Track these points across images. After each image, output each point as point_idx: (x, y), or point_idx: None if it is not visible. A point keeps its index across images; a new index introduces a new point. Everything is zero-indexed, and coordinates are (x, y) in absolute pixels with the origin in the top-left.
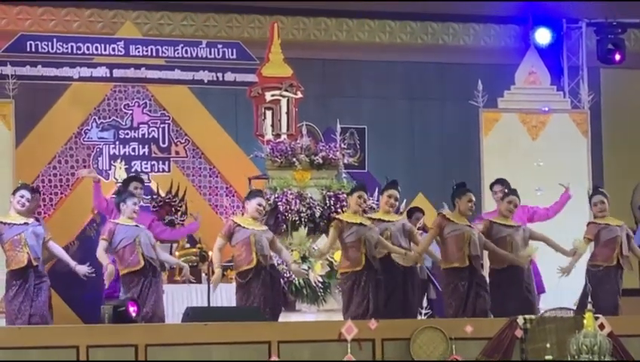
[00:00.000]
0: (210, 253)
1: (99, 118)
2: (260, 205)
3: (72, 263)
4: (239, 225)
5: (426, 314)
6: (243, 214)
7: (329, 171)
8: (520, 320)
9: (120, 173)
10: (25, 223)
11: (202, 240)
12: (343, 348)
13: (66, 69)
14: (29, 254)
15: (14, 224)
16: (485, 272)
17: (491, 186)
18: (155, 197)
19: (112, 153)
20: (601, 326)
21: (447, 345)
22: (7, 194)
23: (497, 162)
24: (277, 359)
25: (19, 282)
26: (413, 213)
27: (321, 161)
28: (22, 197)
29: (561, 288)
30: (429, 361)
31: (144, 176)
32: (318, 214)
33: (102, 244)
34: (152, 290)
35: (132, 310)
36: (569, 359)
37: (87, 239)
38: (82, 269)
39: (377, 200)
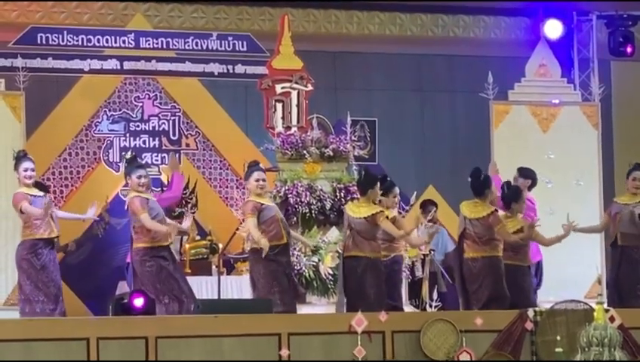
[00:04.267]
0: (220, 245)
1: (109, 111)
2: (258, 179)
3: (81, 216)
4: (262, 204)
5: (436, 306)
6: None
7: (339, 163)
8: (530, 312)
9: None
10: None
11: (212, 232)
12: (353, 340)
13: (77, 62)
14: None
15: (37, 196)
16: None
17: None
18: (165, 189)
19: (122, 145)
20: (612, 319)
21: (458, 337)
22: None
23: (508, 154)
24: (287, 351)
25: (48, 250)
26: (426, 205)
27: (331, 154)
28: (26, 170)
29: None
30: (440, 361)
31: (154, 169)
32: (328, 206)
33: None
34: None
35: (138, 302)
36: (579, 351)
37: (94, 237)
38: (91, 213)
39: None
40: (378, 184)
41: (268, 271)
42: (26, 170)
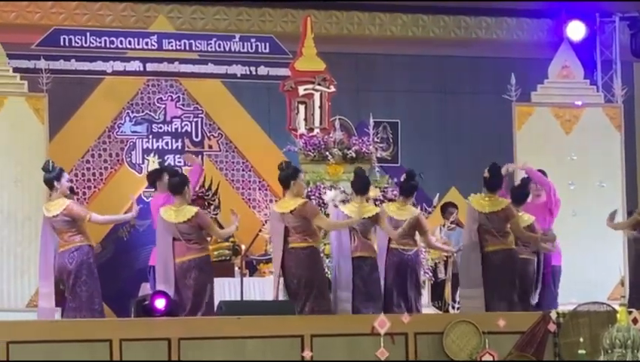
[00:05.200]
0: (243, 247)
1: (132, 112)
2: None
3: (127, 216)
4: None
5: (458, 308)
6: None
7: (362, 165)
8: (553, 314)
9: (153, 167)
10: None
11: (235, 234)
12: (375, 341)
13: (100, 63)
14: None
15: None
16: None
17: None
18: None
19: (145, 147)
20: (635, 321)
21: (480, 339)
22: (41, 188)
23: (530, 156)
24: (310, 352)
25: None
26: (447, 208)
27: (354, 155)
28: (69, 181)
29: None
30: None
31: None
32: None
33: None
34: None
35: (160, 303)
36: (602, 353)
37: (118, 239)
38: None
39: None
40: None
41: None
42: (69, 181)
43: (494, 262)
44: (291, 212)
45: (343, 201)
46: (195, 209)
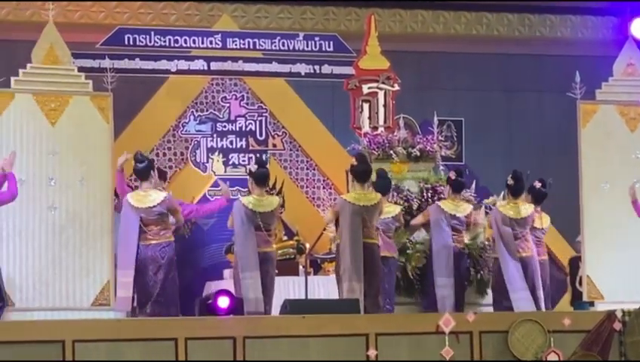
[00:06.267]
0: (307, 245)
1: (196, 111)
2: None
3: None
4: None
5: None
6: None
7: (426, 164)
8: (619, 312)
9: (218, 166)
10: None
11: (299, 232)
12: (440, 340)
13: (164, 62)
14: None
15: None
16: None
17: None
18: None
19: (209, 146)
20: None
21: (546, 337)
22: (106, 187)
23: (595, 154)
24: (375, 351)
25: None
26: None
27: (418, 154)
28: None
29: None
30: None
31: (241, 169)
32: (415, 207)
33: None
34: None
35: (223, 302)
36: None
37: (181, 238)
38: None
39: (475, 193)
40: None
41: None
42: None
43: (542, 270)
44: (373, 206)
45: None
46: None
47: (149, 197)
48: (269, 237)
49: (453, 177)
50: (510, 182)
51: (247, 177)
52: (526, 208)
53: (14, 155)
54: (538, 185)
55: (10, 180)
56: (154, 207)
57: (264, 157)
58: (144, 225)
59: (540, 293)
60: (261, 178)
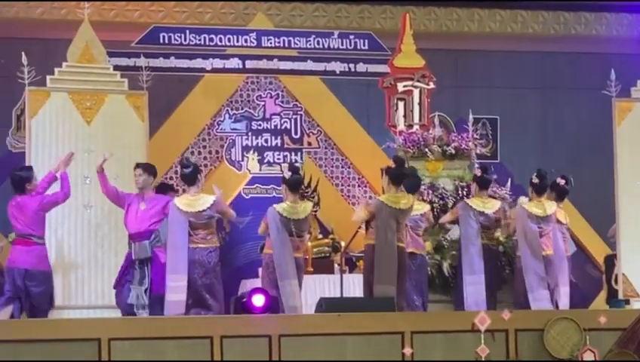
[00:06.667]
0: (342, 244)
1: (231, 110)
2: None
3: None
4: None
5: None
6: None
7: (461, 161)
8: None
9: (253, 164)
10: None
11: (335, 231)
12: (476, 338)
13: (199, 61)
14: None
15: None
16: None
17: None
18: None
19: (244, 144)
20: None
21: (581, 335)
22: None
23: (631, 152)
24: (410, 349)
25: None
26: None
27: (453, 152)
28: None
29: None
30: (564, 360)
31: (276, 167)
32: (450, 205)
33: None
34: None
35: (258, 301)
36: None
37: None
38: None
39: (510, 191)
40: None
41: None
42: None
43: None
44: (408, 209)
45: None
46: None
47: (199, 201)
48: (300, 243)
49: (479, 174)
50: (535, 180)
51: (282, 183)
52: (550, 205)
53: (71, 156)
54: (562, 182)
55: (64, 180)
56: (204, 211)
57: (298, 162)
58: (191, 228)
59: (566, 289)
60: (295, 185)
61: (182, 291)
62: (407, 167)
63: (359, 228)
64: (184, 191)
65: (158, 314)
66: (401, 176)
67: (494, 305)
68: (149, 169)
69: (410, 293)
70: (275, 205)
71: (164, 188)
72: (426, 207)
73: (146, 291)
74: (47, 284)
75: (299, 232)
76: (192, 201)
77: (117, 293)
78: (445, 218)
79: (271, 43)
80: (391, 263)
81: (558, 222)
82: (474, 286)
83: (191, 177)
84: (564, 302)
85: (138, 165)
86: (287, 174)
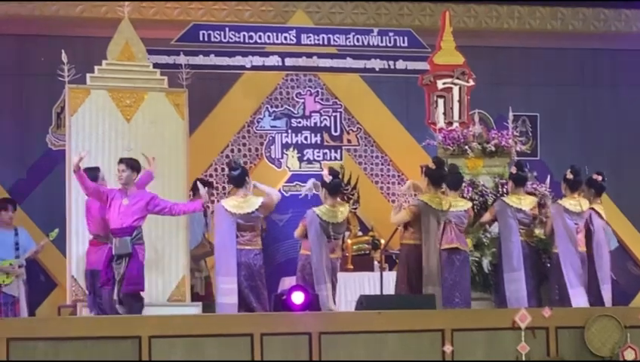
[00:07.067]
0: (382, 241)
1: (271, 107)
2: None
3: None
4: None
5: None
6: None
7: (501, 159)
8: None
9: (292, 161)
10: None
11: (374, 228)
12: (516, 335)
13: (239, 58)
14: None
15: None
16: None
17: None
18: None
19: (284, 142)
20: None
21: (622, 333)
22: (181, 183)
23: None
24: (451, 347)
25: None
26: None
27: (493, 149)
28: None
29: None
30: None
31: (316, 165)
32: (490, 202)
33: None
34: None
35: (298, 298)
36: None
37: None
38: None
39: (550, 188)
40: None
41: None
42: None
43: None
44: (446, 211)
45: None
46: None
47: (247, 202)
48: (336, 245)
49: (515, 172)
50: (569, 176)
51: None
52: (585, 202)
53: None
54: (598, 178)
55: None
56: (252, 212)
57: (337, 160)
58: (238, 230)
59: (607, 286)
60: (335, 189)
61: (233, 293)
62: (448, 165)
63: (399, 225)
64: (223, 188)
65: (130, 310)
66: (441, 177)
67: (537, 302)
68: (132, 164)
69: (451, 290)
70: (314, 208)
71: (204, 184)
72: (469, 204)
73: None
74: None
75: (336, 235)
76: (241, 203)
77: (102, 293)
78: (485, 217)
79: (310, 40)
80: (436, 265)
81: (600, 217)
82: (514, 284)
83: (239, 179)
84: (605, 299)
85: (122, 160)
86: (328, 178)
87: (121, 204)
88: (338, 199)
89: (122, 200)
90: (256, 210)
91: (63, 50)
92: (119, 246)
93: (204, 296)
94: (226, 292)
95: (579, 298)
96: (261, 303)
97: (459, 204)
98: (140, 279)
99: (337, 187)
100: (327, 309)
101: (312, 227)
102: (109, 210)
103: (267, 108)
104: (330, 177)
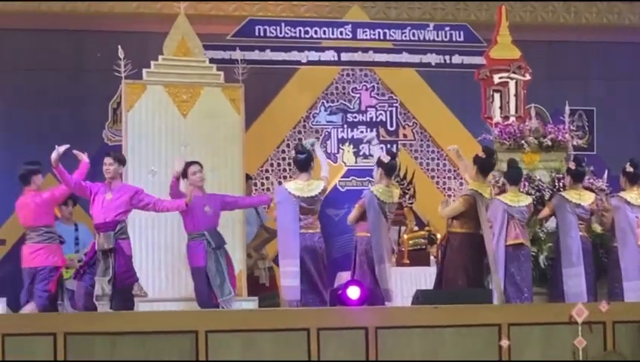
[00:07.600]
0: (438, 236)
1: (327, 102)
2: None
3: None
4: None
5: None
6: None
7: (558, 153)
8: None
9: (348, 156)
10: None
11: (430, 222)
12: (573, 330)
13: (294, 53)
14: None
15: None
16: None
17: None
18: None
19: (340, 137)
20: None
21: None
22: (238, 178)
23: None
24: (507, 341)
25: None
26: None
27: (549, 143)
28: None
29: None
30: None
31: (372, 160)
32: (547, 197)
33: None
34: None
35: (353, 293)
36: None
37: None
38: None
39: (607, 183)
40: None
41: None
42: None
43: None
44: (527, 206)
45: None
46: None
47: (311, 186)
48: (390, 227)
49: (573, 167)
50: (628, 169)
51: (376, 166)
52: None
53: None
54: None
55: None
56: (315, 196)
57: (395, 148)
58: (301, 213)
59: None
60: (392, 169)
61: (295, 276)
62: (507, 159)
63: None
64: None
65: (122, 307)
66: (490, 166)
67: (594, 298)
68: (119, 158)
69: (519, 285)
70: (371, 188)
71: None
72: (529, 199)
73: (109, 281)
74: None
75: (389, 215)
76: (305, 186)
77: (76, 286)
78: (543, 213)
79: (366, 35)
80: (501, 257)
81: None
82: (574, 279)
83: (304, 163)
84: None
85: (109, 154)
86: (386, 158)
87: (105, 198)
88: (392, 180)
89: (106, 194)
90: (319, 193)
91: (119, 46)
92: (102, 242)
93: (268, 286)
94: (290, 275)
95: (632, 292)
96: (325, 286)
97: (520, 199)
98: (130, 272)
99: (394, 168)
100: (386, 288)
101: (372, 207)
102: (92, 205)
103: (323, 103)
104: (388, 157)
